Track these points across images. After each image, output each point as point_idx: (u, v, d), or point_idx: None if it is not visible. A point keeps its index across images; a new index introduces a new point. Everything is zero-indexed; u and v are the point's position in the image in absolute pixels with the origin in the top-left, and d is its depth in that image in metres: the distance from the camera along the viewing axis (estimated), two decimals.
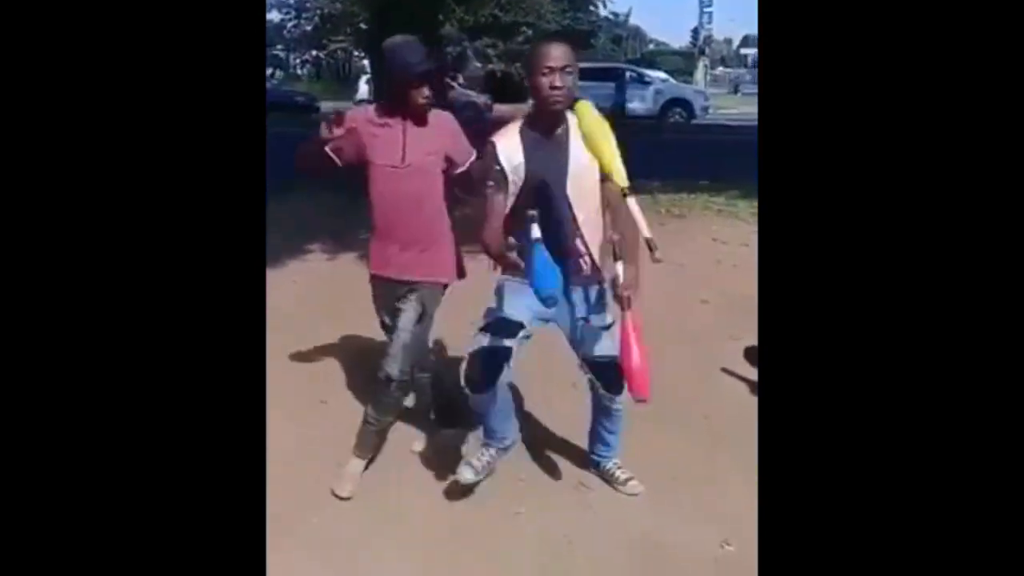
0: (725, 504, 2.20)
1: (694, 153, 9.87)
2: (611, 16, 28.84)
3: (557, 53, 1.89)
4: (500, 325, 2.03)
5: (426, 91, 2.11)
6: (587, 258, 2.03)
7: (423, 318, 2.25)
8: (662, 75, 18.17)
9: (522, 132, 2.00)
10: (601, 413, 2.21)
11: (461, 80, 16.44)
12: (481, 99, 14.89)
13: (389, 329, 2.27)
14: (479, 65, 20.54)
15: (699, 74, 25.46)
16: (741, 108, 19.48)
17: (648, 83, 16.94)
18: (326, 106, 18.82)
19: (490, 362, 1.99)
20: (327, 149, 2.14)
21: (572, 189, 1.98)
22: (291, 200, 5.72)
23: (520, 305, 2.02)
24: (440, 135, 2.22)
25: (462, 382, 2.03)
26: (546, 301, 1.82)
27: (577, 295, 2.06)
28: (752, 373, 3.05)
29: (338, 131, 2.14)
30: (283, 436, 2.36)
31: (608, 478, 2.29)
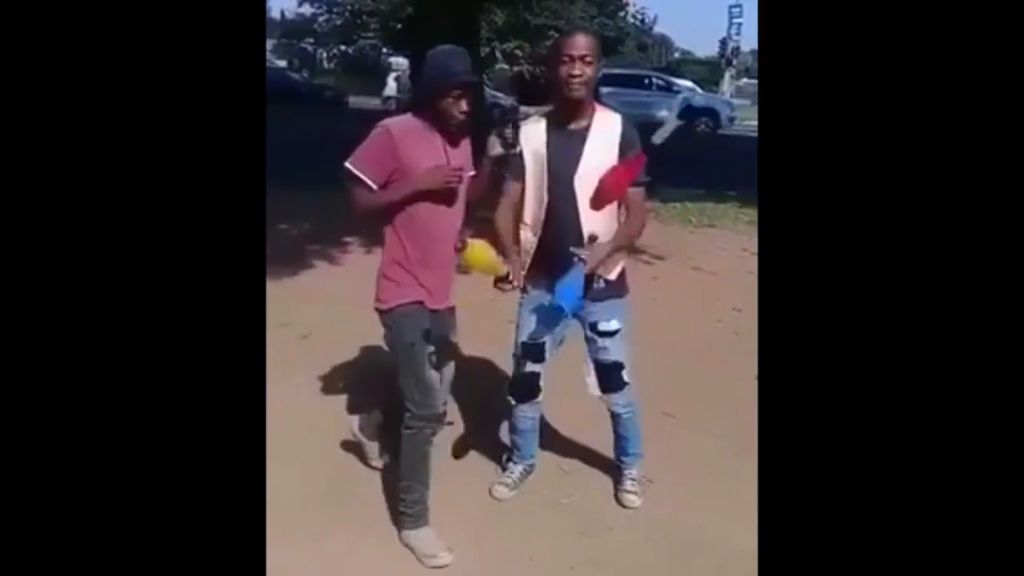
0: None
1: (721, 163, 9.90)
2: (638, 23, 28.82)
3: (578, 42, 1.90)
4: (525, 351, 2.14)
5: (465, 104, 1.91)
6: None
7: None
8: (689, 84, 18.17)
9: (548, 121, 2.01)
10: (613, 422, 2.28)
11: (488, 81, 16.54)
12: (508, 101, 14.99)
13: (430, 363, 2.01)
14: (507, 67, 20.63)
15: (725, 84, 25.42)
16: None
17: (676, 91, 16.96)
18: (354, 100, 19.00)
19: (524, 386, 2.18)
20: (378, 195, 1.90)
21: (580, 186, 1.96)
22: (330, 193, 5.80)
23: (537, 324, 2.09)
24: (466, 150, 2.05)
25: (509, 397, 2.20)
26: (559, 314, 1.92)
27: (588, 305, 2.06)
28: None
29: (380, 179, 1.90)
30: (283, 436, 2.45)
31: (617, 483, 2.33)
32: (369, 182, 1.87)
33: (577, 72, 1.88)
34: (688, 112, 16.32)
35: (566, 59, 1.88)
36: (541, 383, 2.18)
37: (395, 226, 1.94)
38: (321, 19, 25.71)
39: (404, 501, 2.01)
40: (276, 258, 4.77)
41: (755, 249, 5.31)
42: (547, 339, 2.12)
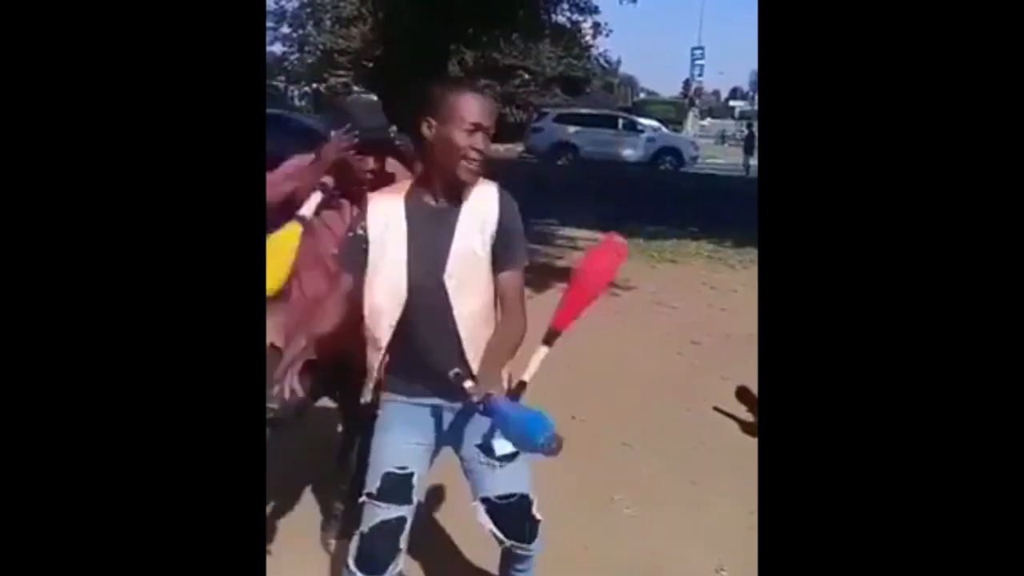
0: (717, 530, 2.33)
1: (684, 200, 10.18)
2: (604, 64, 29.64)
3: (487, 108, 1.47)
4: (390, 484, 1.51)
5: (371, 162, 1.76)
6: (469, 368, 1.47)
7: None
8: (654, 123, 18.71)
9: (407, 196, 1.53)
10: (512, 561, 1.62)
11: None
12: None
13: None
14: None
15: (689, 124, 26.22)
16: (728, 158, 20.06)
17: (641, 131, 17.45)
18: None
19: (386, 540, 1.49)
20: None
21: (453, 279, 1.49)
22: None
23: (403, 447, 1.54)
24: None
25: (351, 564, 1.49)
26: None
27: (466, 417, 1.53)
28: (741, 411, 3.21)
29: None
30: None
31: None
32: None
33: (481, 147, 1.45)
34: (655, 152, 16.80)
35: (469, 128, 1.44)
36: (402, 542, 1.51)
37: None
38: (293, 57, 25.98)
39: None
40: None
41: (712, 284, 5.48)
42: (416, 464, 1.54)
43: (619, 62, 30.77)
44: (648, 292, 5.33)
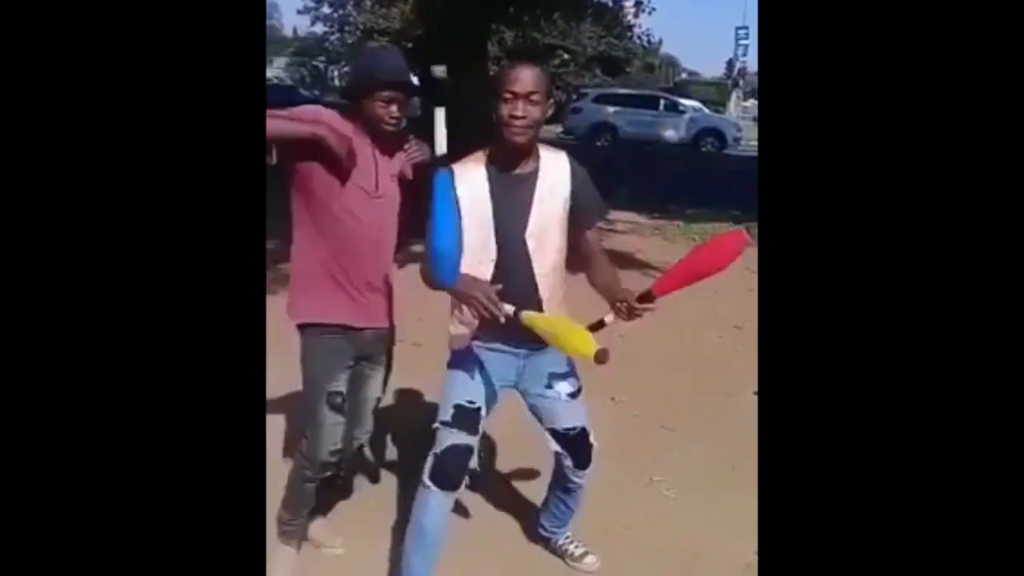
0: (754, 513, 2.32)
1: (725, 183, 10.00)
2: (646, 44, 29.12)
3: (522, 76, 1.59)
4: (461, 417, 1.72)
5: (395, 108, 1.72)
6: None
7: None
8: (696, 104, 18.34)
9: (488, 163, 1.69)
10: (559, 487, 1.96)
11: None
12: None
13: (344, 394, 1.80)
14: None
15: (732, 105, 25.64)
16: None
17: (682, 112, 17.12)
18: None
19: (455, 461, 1.71)
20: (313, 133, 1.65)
21: (533, 238, 1.68)
22: None
23: (474, 385, 1.74)
24: (400, 161, 1.87)
25: (426, 479, 1.72)
26: None
27: (539, 360, 1.78)
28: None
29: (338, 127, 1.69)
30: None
31: (561, 553, 2.09)
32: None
33: (520, 113, 1.58)
34: (696, 133, 16.48)
35: (507, 96, 1.57)
36: (471, 463, 1.73)
37: (310, 228, 1.76)
38: (333, 38, 26.15)
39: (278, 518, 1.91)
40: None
41: (755, 267, 5.37)
42: (483, 402, 1.74)
43: (661, 42, 30.20)
44: None
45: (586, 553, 2.07)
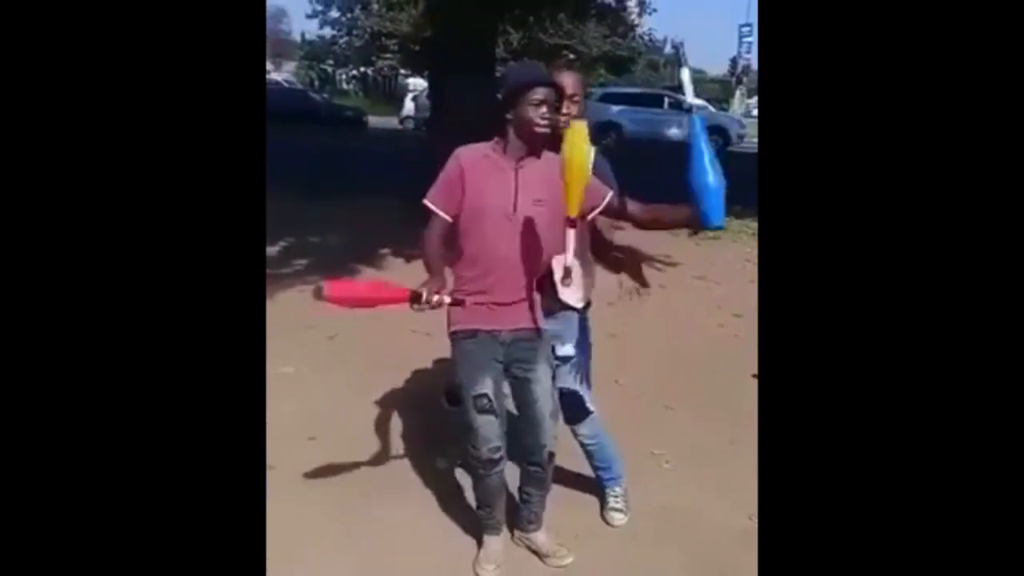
0: (749, 480, 2.48)
1: (729, 179, 10.10)
2: (650, 43, 29.21)
3: (568, 81, 1.94)
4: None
5: (545, 110, 1.82)
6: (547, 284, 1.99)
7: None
8: (699, 102, 18.44)
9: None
10: (582, 448, 2.26)
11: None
12: None
13: (490, 396, 1.90)
14: None
15: (736, 102, 25.71)
16: None
17: (687, 109, 17.13)
18: (374, 121, 19.47)
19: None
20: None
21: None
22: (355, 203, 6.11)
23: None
24: (545, 177, 1.88)
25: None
26: None
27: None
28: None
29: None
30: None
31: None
32: (442, 214, 1.88)
33: (565, 111, 1.90)
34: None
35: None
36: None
37: (462, 248, 1.93)
38: (342, 41, 26.36)
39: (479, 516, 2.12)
40: (303, 267, 5.08)
41: (755, 260, 5.53)
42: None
43: (665, 40, 30.29)
44: (692, 268, 5.41)
45: (617, 510, 2.32)
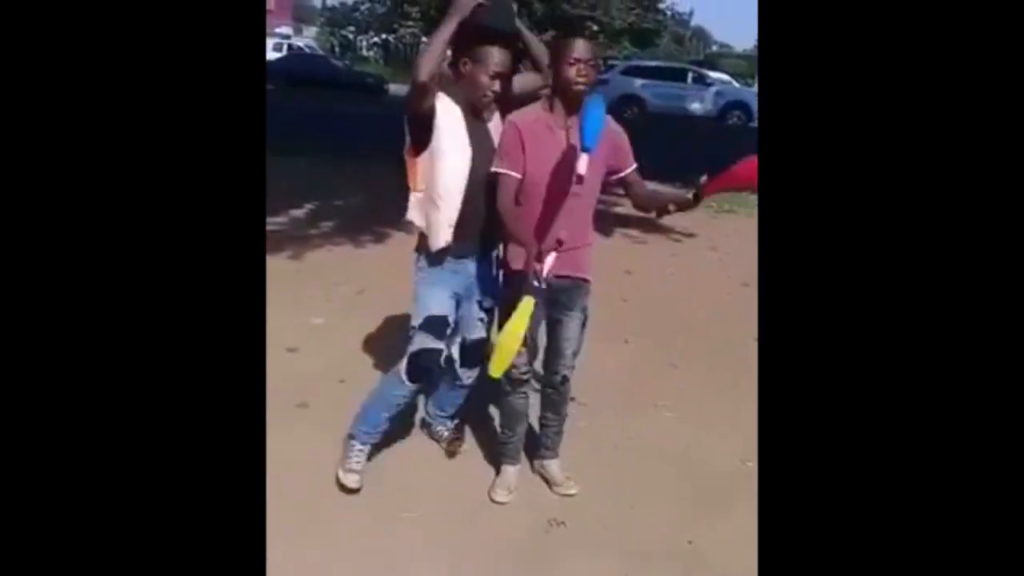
0: (744, 429, 2.68)
1: (747, 155, 10.13)
2: (675, 16, 28.79)
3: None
4: (430, 324, 2.13)
5: (582, 67, 1.98)
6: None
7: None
8: (724, 77, 18.29)
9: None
10: (448, 386, 2.43)
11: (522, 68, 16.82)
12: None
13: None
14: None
15: None
16: None
17: (709, 84, 17.11)
18: (394, 88, 19.50)
19: (427, 362, 2.16)
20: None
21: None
22: (375, 168, 6.30)
23: (440, 296, 2.13)
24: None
25: (403, 376, 2.17)
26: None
27: (489, 276, 2.21)
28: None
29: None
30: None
31: (436, 438, 2.53)
32: (514, 174, 2.01)
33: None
34: (723, 106, 16.48)
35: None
36: (441, 362, 2.21)
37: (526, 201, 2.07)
38: (363, 7, 26.24)
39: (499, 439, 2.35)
40: (330, 229, 5.29)
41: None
42: (449, 312, 2.16)
43: (691, 13, 29.90)
44: (705, 239, 5.59)
45: (456, 439, 2.51)
